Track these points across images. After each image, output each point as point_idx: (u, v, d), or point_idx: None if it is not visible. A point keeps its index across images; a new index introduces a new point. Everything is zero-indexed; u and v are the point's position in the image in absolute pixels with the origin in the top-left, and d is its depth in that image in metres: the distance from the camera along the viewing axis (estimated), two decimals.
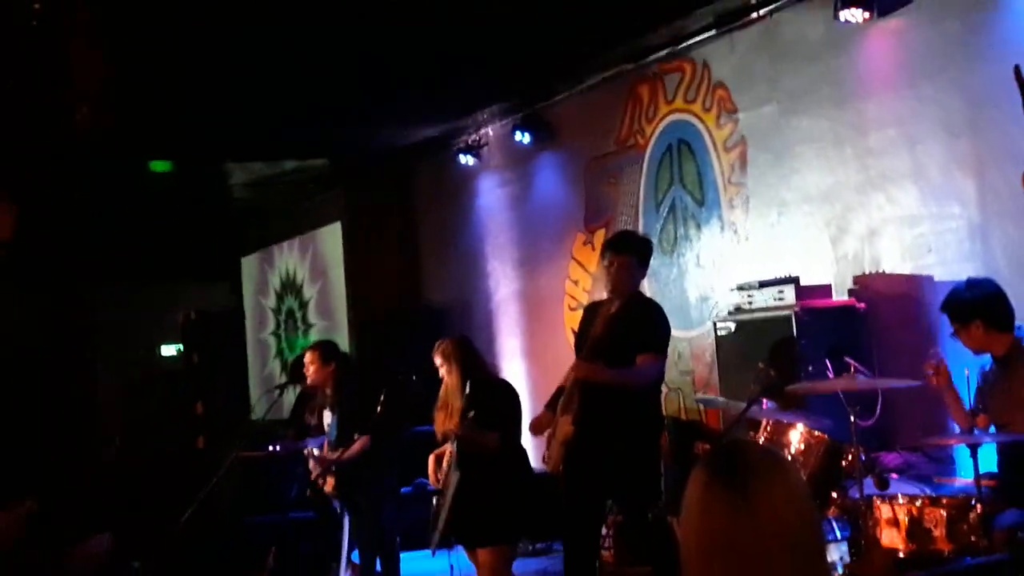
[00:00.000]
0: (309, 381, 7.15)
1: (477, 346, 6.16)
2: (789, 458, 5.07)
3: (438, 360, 5.85)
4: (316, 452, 6.88)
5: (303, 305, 11.80)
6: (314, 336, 11.23)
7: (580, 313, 6.08)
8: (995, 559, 4.14)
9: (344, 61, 7.18)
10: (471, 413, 5.53)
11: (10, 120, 5.44)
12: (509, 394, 5.80)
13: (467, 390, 5.62)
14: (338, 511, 7.05)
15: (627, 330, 5.33)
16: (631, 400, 5.28)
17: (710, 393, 6.95)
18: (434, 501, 5.85)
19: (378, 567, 6.83)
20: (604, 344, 5.32)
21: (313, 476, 6.93)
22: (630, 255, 5.49)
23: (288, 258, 12.19)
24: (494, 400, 5.66)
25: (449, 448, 5.76)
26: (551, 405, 5.59)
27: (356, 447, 6.65)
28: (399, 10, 6.29)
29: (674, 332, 5.64)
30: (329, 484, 6.70)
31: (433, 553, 5.83)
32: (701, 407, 7.31)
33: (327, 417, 7.03)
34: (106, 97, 5.54)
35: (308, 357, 7.11)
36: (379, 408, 6.11)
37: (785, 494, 1.76)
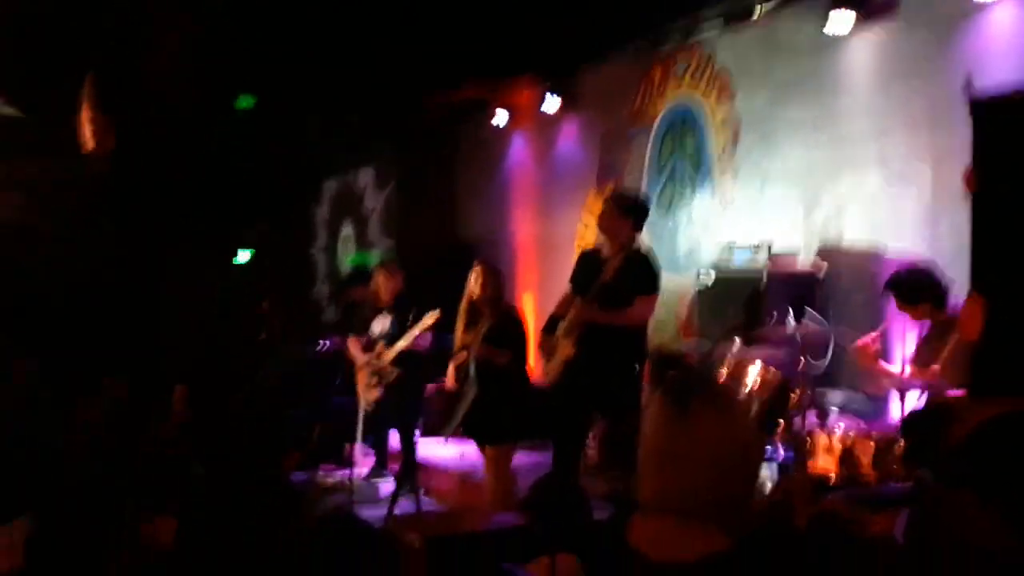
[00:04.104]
0: (381, 294, 6.96)
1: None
2: (746, 390, 5.05)
3: (475, 271, 5.74)
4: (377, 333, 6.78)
5: (363, 225, 11.66)
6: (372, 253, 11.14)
7: None
8: (906, 487, 4.11)
9: (409, 27, 7.12)
10: (488, 335, 5.56)
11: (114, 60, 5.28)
12: (519, 321, 5.83)
13: (489, 317, 5.63)
14: (356, 401, 6.97)
15: (627, 277, 5.24)
16: (623, 332, 5.24)
17: (688, 331, 6.91)
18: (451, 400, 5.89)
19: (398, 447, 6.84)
20: (610, 288, 5.21)
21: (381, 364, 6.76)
22: (625, 213, 5.37)
23: (351, 184, 12.07)
24: (508, 325, 5.68)
25: (467, 358, 5.77)
26: (548, 329, 5.51)
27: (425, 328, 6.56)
28: None
29: (664, 277, 5.55)
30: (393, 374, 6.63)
31: (446, 440, 5.89)
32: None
33: (379, 324, 6.90)
34: (185, 57, 5.43)
35: (380, 275, 6.98)
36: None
37: (718, 418, 1.81)
